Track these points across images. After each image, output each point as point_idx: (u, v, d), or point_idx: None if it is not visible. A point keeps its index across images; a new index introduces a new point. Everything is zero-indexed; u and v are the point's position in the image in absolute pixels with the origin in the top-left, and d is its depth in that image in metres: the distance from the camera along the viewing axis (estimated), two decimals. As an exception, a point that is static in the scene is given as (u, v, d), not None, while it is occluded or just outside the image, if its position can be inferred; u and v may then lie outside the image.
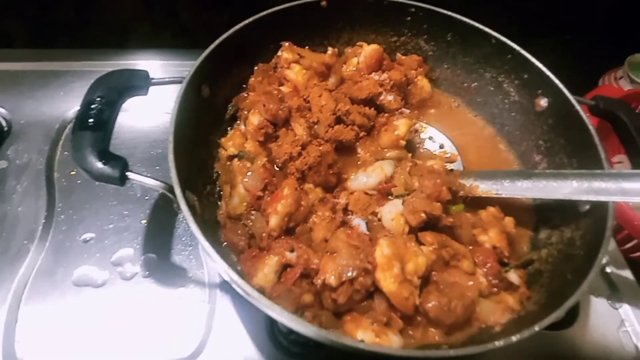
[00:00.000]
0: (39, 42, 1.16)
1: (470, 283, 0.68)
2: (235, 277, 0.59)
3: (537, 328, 0.56)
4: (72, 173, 0.95)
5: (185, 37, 1.28)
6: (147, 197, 0.92)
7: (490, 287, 0.70)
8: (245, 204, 0.75)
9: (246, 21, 0.85)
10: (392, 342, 0.62)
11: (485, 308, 0.68)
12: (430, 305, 0.64)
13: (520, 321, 0.66)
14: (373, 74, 0.93)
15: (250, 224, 0.73)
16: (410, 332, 0.66)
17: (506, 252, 0.74)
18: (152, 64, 1.16)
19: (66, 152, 0.99)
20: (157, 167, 0.97)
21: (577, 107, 0.80)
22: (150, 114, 1.05)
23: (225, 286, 0.83)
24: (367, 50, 0.93)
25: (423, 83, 0.96)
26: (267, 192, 0.75)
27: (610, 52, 1.33)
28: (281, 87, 0.88)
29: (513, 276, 0.71)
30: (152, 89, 0.77)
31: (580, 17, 1.39)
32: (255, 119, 0.81)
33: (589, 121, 0.78)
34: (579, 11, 1.38)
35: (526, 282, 0.72)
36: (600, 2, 1.40)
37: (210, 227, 0.73)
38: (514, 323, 0.66)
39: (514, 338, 0.55)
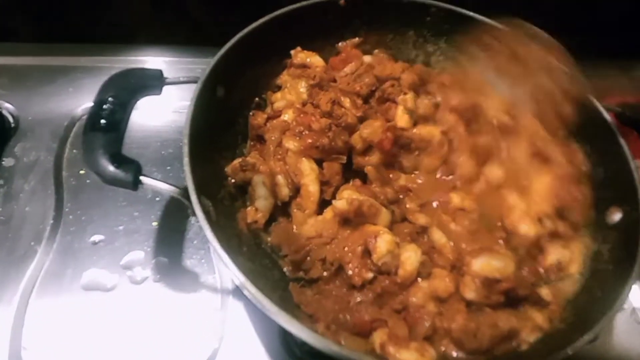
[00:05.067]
0: (45, 38, 1.14)
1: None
2: (252, 288, 0.57)
3: (570, 352, 0.53)
4: (81, 172, 0.93)
5: (195, 35, 1.25)
6: (157, 199, 0.90)
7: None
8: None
9: (262, 20, 0.83)
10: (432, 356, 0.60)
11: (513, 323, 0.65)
12: (455, 325, 0.62)
13: (547, 340, 0.63)
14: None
15: None
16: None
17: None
18: (161, 60, 1.13)
19: (75, 150, 0.96)
20: (169, 168, 0.94)
21: (605, 114, 0.78)
22: (160, 112, 1.03)
23: (237, 293, 0.81)
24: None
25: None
26: None
27: (630, 55, 1.30)
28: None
29: (544, 291, 0.68)
30: (164, 87, 0.75)
31: (597, 18, 1.36)
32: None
33: (617, 130, 0.76)
34: (596, 13, 1.35)
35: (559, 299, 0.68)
36: (617, 2, 1.36)
37: (226, 233, 0.71)
38: (541, 342, 0.64)
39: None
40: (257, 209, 0.74)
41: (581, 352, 0.77)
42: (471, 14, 0.89)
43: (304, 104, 0.82)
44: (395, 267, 0.67)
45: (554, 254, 0.70)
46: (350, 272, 0.67)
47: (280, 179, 0.75)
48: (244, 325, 0.78)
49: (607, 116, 0.78)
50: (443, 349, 0.64)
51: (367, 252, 0.68)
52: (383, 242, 0.67)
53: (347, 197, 0.71)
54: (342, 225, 0.72)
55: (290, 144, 0.76)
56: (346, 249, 0.69)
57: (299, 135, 0.77)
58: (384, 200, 0.75)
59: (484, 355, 0.63)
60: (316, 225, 0.73)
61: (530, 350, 0.62)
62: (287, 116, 0.80)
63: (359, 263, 0.68)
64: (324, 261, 0.70)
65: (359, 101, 0.82)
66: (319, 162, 0.77)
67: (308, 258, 0.71)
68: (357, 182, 0.77)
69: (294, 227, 0.74)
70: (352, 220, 0.71)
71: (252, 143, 0.84)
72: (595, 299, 0.63)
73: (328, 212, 0.73)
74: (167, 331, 0.77)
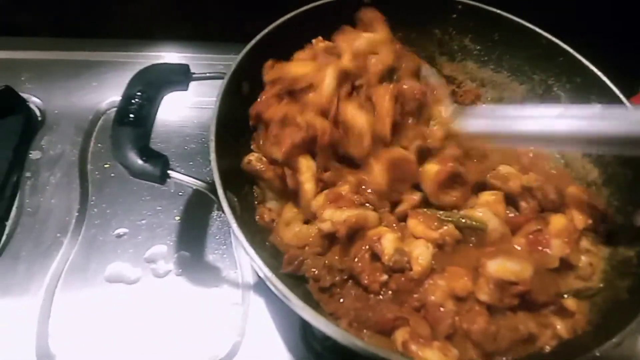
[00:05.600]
0: (71, 34, 1.15)
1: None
2: (279, 284, 0.57)
3: (597, 353, 0.53)
4: (106, 166, 0.94)
5: (216, 31, 1.26)
6: (180, 193, 0.91)
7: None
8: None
9: (287, 16, 0.82)
10: (455, 355, 0.60)
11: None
12: (475, 327, 0.61)
13: (573, 342, 0.63)
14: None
15: None
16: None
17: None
18: (183, 57, 1.14)
19: (99, 145, 0.98)
20: (191, 163, 0.95)
21: (635, 114, 0.76)
22: (182, 108, 1.04)
23: (259, 288, 0.81)
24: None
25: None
26: None
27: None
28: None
29: (569, 302, 0.66)
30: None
31: (620, 16, 1.33)
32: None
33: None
34: (619, 10, 1.32)
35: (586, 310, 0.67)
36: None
37: (250, 228, 0.71)
38: (566, 343, 0.63)
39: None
40: (271, 209, 0.75)
41: (605, 355, 0.77)
42: (498, 11, 0.88)
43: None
44: (407, 264, 0.66)
45: (585, 257, 0.69)
46: (365, 281, 0.66)
47: None
48: (264, 320, 0.79)
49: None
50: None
51: (375, 257, 0.67)
52: (387, 242, 0.66)
53: (331, 219, 0.67)
54: (331, 242, 0.70)
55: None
56: (356, 259, 0.68)
57: None
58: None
59: (503, 356, 0.62)
60: (299, 235, 0.70)
61: (555, 352, 0.61)
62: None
63: (370, 269, 0.67)
64: (329, 269, 0.68)
65: None
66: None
67: (303, 267, 0.68)
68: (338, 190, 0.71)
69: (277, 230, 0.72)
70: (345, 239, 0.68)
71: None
72: (623, 303, 0.62)
73: (312, 227, 0.70)
74: (189, 324, 0.78)
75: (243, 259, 0.84)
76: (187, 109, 1.04)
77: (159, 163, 0.63)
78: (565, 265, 0.69)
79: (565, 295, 0.68)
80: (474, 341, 0.62)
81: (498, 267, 0.64)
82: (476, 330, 0.62)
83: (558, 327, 0.64)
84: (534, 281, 0.63)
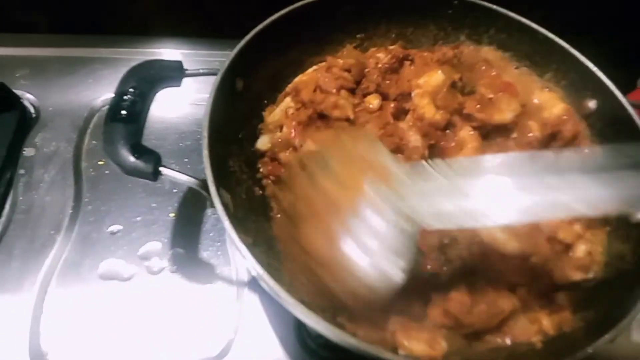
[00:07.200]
0: (65, 29, 1.15)
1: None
2: (270, 280, 0.57)
3: (590, 350, 0.52)
4: (100, 163, 0.94)
5: (211, 28, 1.26)
6: (175, 190, 0.90)
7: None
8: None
9: (282, 12, 0.82)
10: (443, 349, 0.60)
11: (519, 324, 0.64)
12: (453, 296, 0.62)
13: (565, 337, 0.62)
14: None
15: None
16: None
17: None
18: (179, 53, 1.13)
19: (94, 142, 0.97)
20: (186, 160, 0.95)
21: (630, 110, 0.76)
22: (177, 105, 1.03)
23: (253, 285, 0.81)
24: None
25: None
26: None
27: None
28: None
29: (561, 296, 0.66)
30: (183, 80, 0.75)
31: (617, 11, 1.33)
32: None
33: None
34: (617, 6, 1.31)
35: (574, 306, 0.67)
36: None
37: (243, 226, 0.71)
38: (558, 338, 0.63)
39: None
40: None
41: (599, 351, 0.77)
42: (494, 7, 0.88)
43: None
44: None
45: (583, 245, 0.68)
46: None
47: None
48: (259, 317, 0.79)
49: (633, 113, 0.76)
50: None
51: None
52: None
53: None
54: None
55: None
56: None
57: None
58: None
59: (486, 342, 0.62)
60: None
61: (546, 347, 0.61)
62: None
63: None
64: None
65: None
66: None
67: None
68: None
69: None
70: None
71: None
72: (617, 299, 0.62)
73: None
74: (183, 321, 0.78)
75: (237, 256, 0.84)
76: (184, 106, 1.03)
77: (151, 160, 0.63)
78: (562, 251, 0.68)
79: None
80: (450, 314, 0.62)
81: None
82: (454, 299, 0.62)
83: (543, 323, 0.64)
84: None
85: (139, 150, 0.63)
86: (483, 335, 0.64)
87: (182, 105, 1.03)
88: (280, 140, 0.76)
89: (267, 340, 0.77)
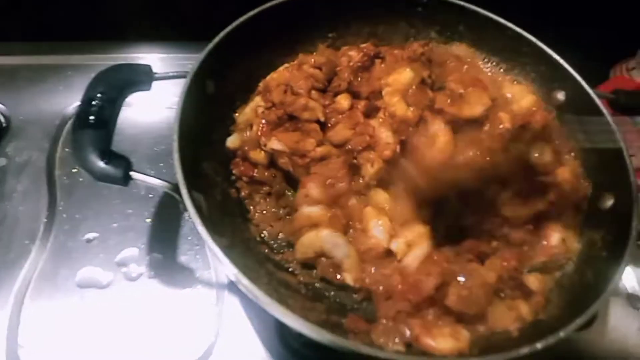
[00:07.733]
0: (35, 36, 1.13)
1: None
2: (246, 281, 0.57)
3: (562, 334, 0.54)
4: (74, 171, 0.92)
5: (186, 31, 1.25)
6: (151, 195, 0.90)
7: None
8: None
9: (250, 13, 0.82)
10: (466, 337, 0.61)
11: (497, 311, 0.65)
12: (451, 297, 0.62)
13: (540, 324, 0.64)
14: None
15: None
16: None
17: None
18: (153, 57, 1.12)
19: (67, 149, 0.96)
20: (162, 164, 0.94)
21: (597, 101, 0.78)
22: (152, 109, 1.02)
23: (233, 287, 0.80)
24: None
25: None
26: None
27: (621, 42, 1.29)
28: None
29: (532, 280, 0.68)
30: (154, 83, 0.74)
31: (589, 6, 1.35)
32: None
33: (610, 117, 0.76)
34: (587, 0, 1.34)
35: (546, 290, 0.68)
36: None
37: (218, 228, 0.71)
38: (534, 326, 0.64)
39: (538, 345, 0.52)
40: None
41: (577, 338, 0.79)
42: (462, 3, 0.89)
43: None
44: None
45: (557, 233, 0.70)
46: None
47: None
48: (240, 319, 0.78)
49: (600, 103, 0.78)
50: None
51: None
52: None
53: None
54: None
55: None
56: None
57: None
58: None
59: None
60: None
61: (522, 335, 0.62)
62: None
63: None
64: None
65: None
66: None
67: None
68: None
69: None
70: None
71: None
72: (589, 285, 0.64)
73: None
74: (163, 327, 0.77)
75: (216, 259, 0.84)
76: (159, 110, 1.02)
77: (121, 165, 0.62)
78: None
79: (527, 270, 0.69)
80: (456, 313, 0.63)
81: None
82: (452, 299, 0.63)
83: (521, 310, 0.65)
84: None
85: (108, 155, 0.62)
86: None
87: (156, 109, 1.02)
88: (249, 138, 0.76)
89: (249, 342, 0.77)
